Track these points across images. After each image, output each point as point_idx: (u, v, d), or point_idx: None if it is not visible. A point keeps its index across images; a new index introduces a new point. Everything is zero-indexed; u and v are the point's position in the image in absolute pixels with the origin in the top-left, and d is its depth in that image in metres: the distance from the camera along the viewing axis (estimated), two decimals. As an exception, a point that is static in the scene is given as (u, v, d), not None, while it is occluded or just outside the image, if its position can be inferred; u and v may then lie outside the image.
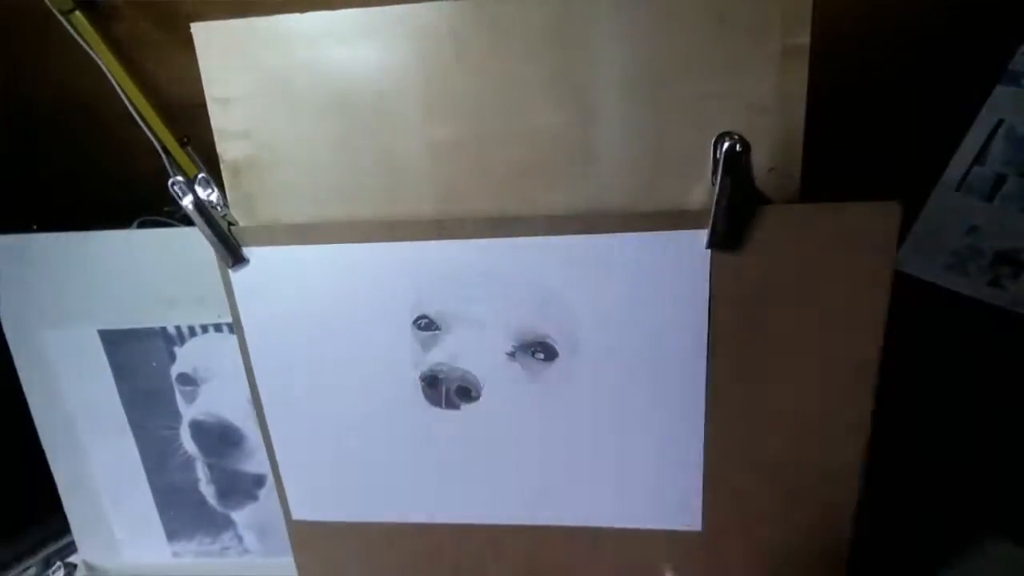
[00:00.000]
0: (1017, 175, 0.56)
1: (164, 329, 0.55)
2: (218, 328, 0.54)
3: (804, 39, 0.40)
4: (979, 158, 0.57)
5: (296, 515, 0.55)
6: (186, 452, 0.58)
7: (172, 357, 0.56)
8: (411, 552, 0.54)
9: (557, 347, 0.46)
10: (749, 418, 0.46)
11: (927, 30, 0.59)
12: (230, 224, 0.47)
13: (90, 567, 0.63)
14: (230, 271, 0.48)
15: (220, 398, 0.56)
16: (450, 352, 0.48)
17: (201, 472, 0.59)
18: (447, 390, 0.49)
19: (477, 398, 0.48)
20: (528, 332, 0.46)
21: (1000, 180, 0.56)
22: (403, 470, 0.52)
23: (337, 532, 0.54)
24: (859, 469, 0.46)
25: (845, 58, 0.56)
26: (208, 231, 0.46)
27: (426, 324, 0.47)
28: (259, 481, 0.58)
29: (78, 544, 0.63)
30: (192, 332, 0.55)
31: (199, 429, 0.57)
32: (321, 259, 0.47)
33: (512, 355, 0.47)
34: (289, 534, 0.56)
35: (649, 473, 0.48)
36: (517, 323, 0.46)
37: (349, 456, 0.52)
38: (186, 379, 0.56)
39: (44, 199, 0.72)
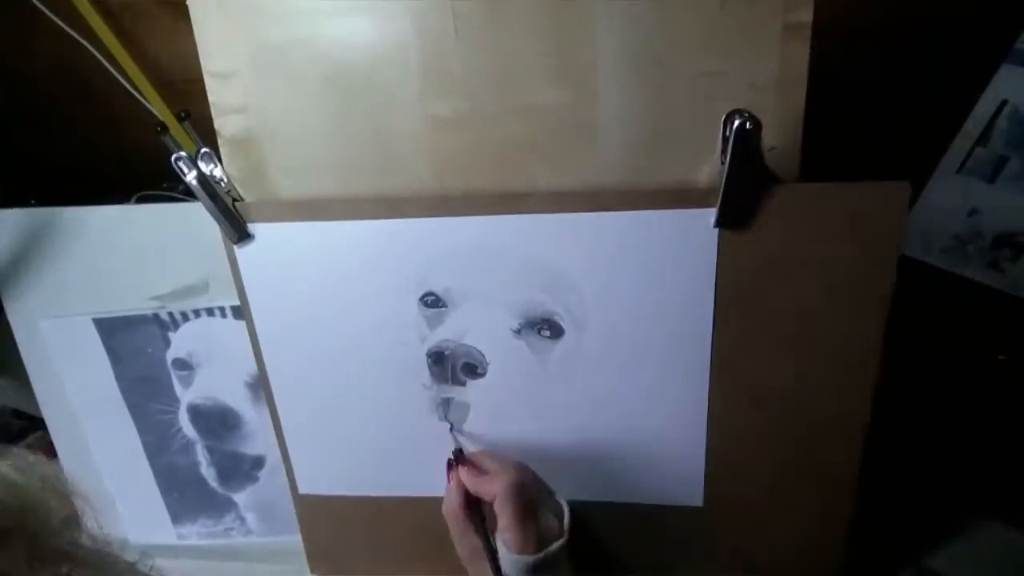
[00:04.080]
0: (1020, 157, 0.56)
1: (157, 315, 0.55)
2: (211, 312, 0.54)
3: (806, 17, 0.39)
4: (982, 139, 0.57)
5: (303, 490, 0.55)
6: (185, 436, 0.58)
7: (167, 342, 0.56)
8: (417, 526, 0.55)
9: (563, 324, 0.47)
10: (752, 396, 0.46)
11: (930, 8, 0.58)
12: (234, 200, 0.47)
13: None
14: (235, 247, 0.48)
15: (216, 382, 0.56)
16: (456, 329, 0.48)
17: (201, 455, 0.59)
18: (453, 366, 0.49)
19: (483, 375, 0.49)
20: (534, 309, 0.46)
21: (1002, 162, 0.56)
22: (409, 445, 0.52)
23: (344, 506, 0.55)
24: (860, 447, 0.46)
25: (847, 36, 0.55)
26: (212, 207, 0.46)
27: (432, 301, 0.47)
28: (258, 463, 0.58)
29: (66, 467, 0.63)
30: (185, 317, 0.55)
31: (197, 413, 0.57)
32: (328, 236, 0.47)
33: (518, 332, 0.47)
34: (296, 508, 0.56)
35: (652, 449, 0.49)
36: (523, 300, 0.46)
37: (355, 431, 0.52)
38: (182, 364, 0.56)
39: (42, 173, 0.71)
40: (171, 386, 0.57)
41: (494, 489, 0.45)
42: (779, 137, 0.42)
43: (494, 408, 0.50)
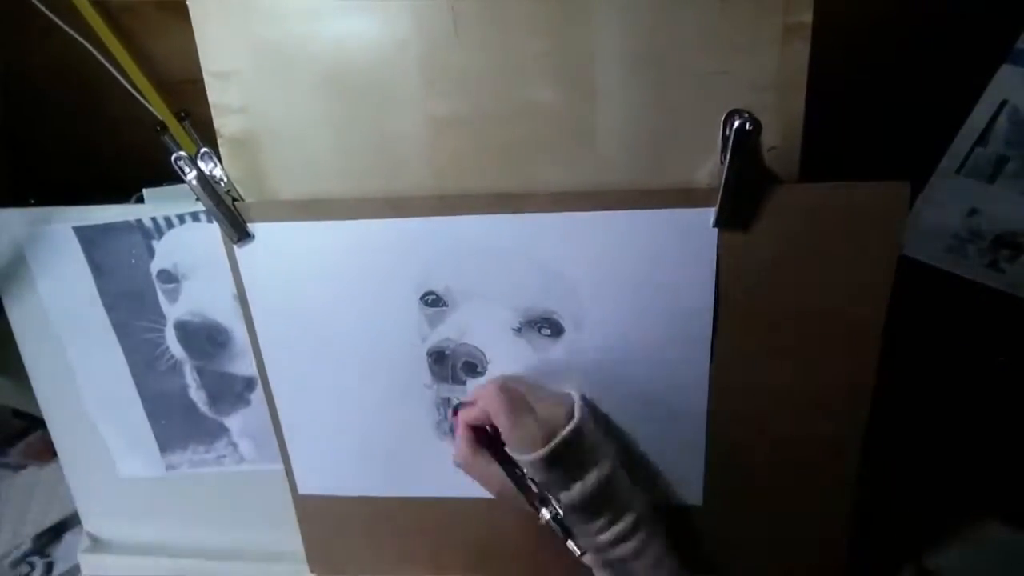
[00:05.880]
0: (1020, 157, 0.56)
1: (140, 222, 0.53)
2: (196, 217, 0.52)
3: (807, 17, 0.39)
4: (981, 139, 0.57)
5: (303, 490, 0.55)
6: (173, 356, 0.56)
7: (151, 252, 0.54)
8: (417, 526, 0.55)
9: (563, 323, 0.47)
10: (751, 395, 0.47)
11: (930, 8, 0.58)
12: (234, 199, 0.47)
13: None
14: (235, 247, 0.48)
15: (203, 296, 0.54)
16: (457, 328, 0.48)
17: (190, 377, 0.57)
18: (454, 366, 0.49)
19: (483, 373, 0.49)
20: (534, 308, 0.47)
21: (1002, 162, 0.56)
22: (410, 445, 0.52)
23: (344, 506, 0.55)
24: (859, 447, 0.47)
25: (847, 36, 0.55)
26: (212, 206, 0.46)
27: (433, 300, 0.47)
28: (250, 384, 0.56)
29: (64, 465, 0.62)
30: (169, 223, 0.53)
31: (185, 330, 0.55)
32: (328, 235, 0.47)
33: (518, 331, 0.47)
34: (296, 509, 0.56)
35: (652, 448, 0.49)
36: (524, 299, 0.46)
37: (356, 431, 0.52)
38: (167, 276, 0.54)
39: (42, 173, 0.71)
40: (156, 302, 0.55)
41: (484, 409, 0.44)
42: (779, 137, 0.42)
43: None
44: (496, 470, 0.44)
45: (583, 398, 0.46)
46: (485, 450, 0.45)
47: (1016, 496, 0.56)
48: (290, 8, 0.43)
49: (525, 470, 0.43)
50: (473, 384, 0.49)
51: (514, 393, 0.44)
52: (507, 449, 0.44)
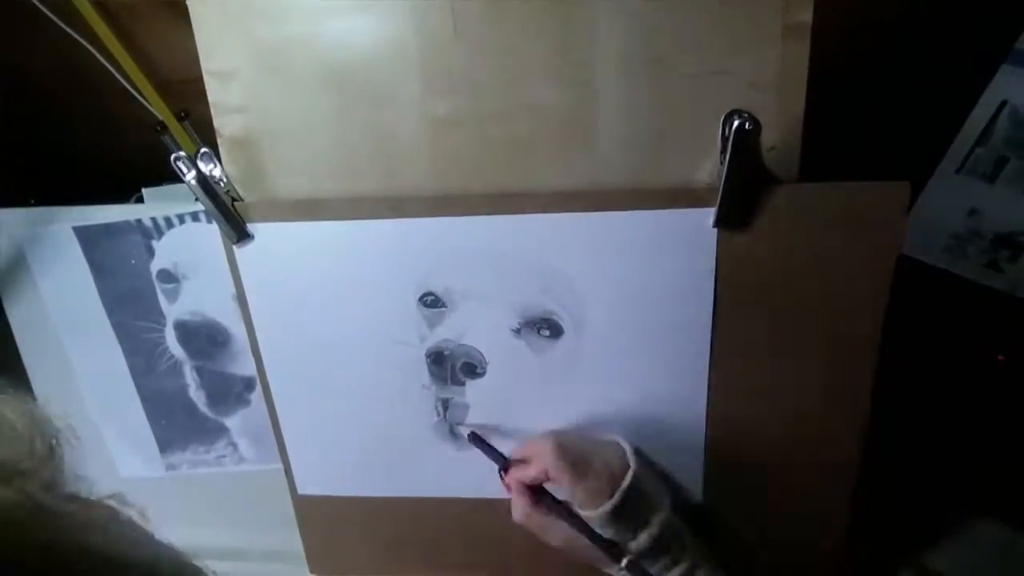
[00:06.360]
0: (1019, 157, 0.56)
1: (140, 222, 0.53)
2: (195, 217, 0.52)
3: (806, 17, 0.39)
4: (981, 139, 0.57)
5: (302, 490, 0.55)
6: (173, 356, 0.56)
7: (151, 252, 0.54)
8: (417, 526, 0.55)
9: (563, 324, 0.47)
10: (752, 395, 0.47)
11: (931, 8, 0.58)
12: (234, 200, 0.47)
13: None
14: (235, 247, 0.48)
15: (203, 296, 0.54)
16: (456, 329, 0.48)
17: (190, 377, 0.57)
18: (453, 366, 0.49)
19: (483, 374, 0.49)
20: (534, 309, 0.47)
21: (1002, 162, 0.56)
22: (409, 445, 0.52)
23: (343, 506, 0.55)
24: (859, 447, 0.46)
25: (847, 36, 0.55)
26: (212, 206, 0.46)
27: (432, 301, 0.47)
28: (250, 384, 0.56)
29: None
30: (169, 223, 0.53)
31: (184, 330, 0.55)
32: (327, 235, 0.47)
33: (518, 332, 0.47)
34: (295, 509, 0.56)
35: (652, 449, 0.49)
36: (523, 300, 0.46)
37: (355, 431, 0.52)
38: (167, 276, 0.54)
39: (42, 173, 0.71)
40: (156, 302, 0.55)
41: (542, 468, 0.44)
42: (779, 137, 0.42)
43: (493, 408, 0.50)
44: (556, 523, 0.45)
45: (633, 445, 0.47)
46: (546, 506, 0.46)
47: (1016, 496, 0.56)
48: (290, 8, 0.43)
49: (593, 526, 0.43)
50: (472, 385, 0.49)
51: (571, 449, 0.45)
52: (578, 511, 0.44)
